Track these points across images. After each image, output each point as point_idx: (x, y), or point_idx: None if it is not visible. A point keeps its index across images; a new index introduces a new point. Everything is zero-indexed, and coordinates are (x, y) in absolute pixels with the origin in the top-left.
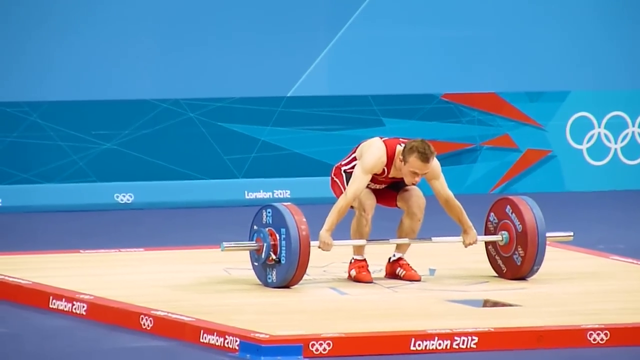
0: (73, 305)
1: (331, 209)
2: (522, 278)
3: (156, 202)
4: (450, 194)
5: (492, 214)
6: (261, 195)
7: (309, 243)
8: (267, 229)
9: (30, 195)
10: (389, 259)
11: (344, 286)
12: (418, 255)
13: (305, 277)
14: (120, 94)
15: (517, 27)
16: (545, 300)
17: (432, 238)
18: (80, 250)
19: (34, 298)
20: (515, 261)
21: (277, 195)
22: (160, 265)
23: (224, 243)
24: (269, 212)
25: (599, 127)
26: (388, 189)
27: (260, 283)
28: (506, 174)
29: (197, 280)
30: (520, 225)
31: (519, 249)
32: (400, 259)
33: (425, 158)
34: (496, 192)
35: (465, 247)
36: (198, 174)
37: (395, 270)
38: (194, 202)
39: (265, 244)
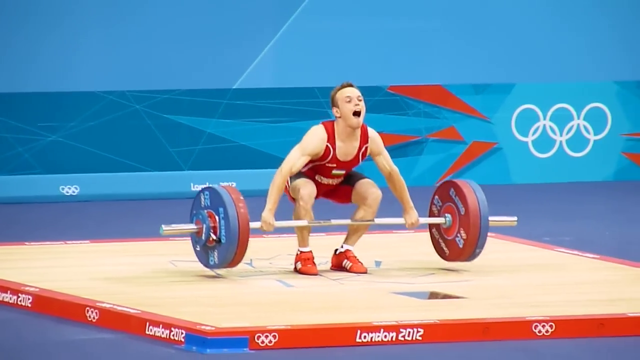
0: (18, 297)
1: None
2: (464, 260)
3: (102, 194)
4: (395, 168)
5: (436, 197)
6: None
7: (248, 220)
8: (205, 211)
9: None
10: (336, 250)
11: (290, 278)
12: (364, 247)
13: (251, 269)
14: (66, 86)
15: (462, 19)
16: (491, 292)
17: (375, 219)
18: (26, 243)
19: None
20: (457, 244)
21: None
22: (106, 258)
23: (162, 226)
24: (207, 194)
25: (545, 119)
26: (343, 184)
27: (206, 268)
28: (452, 166)
29: (143, 273)
30: (463, 208)
31: (462, 232)
32: (347, 251)
33: (347, 84)
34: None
35: (408, 227)
36: (144, 166)
37: (342, 262)
38: (140, 194)
39: (204, 226)
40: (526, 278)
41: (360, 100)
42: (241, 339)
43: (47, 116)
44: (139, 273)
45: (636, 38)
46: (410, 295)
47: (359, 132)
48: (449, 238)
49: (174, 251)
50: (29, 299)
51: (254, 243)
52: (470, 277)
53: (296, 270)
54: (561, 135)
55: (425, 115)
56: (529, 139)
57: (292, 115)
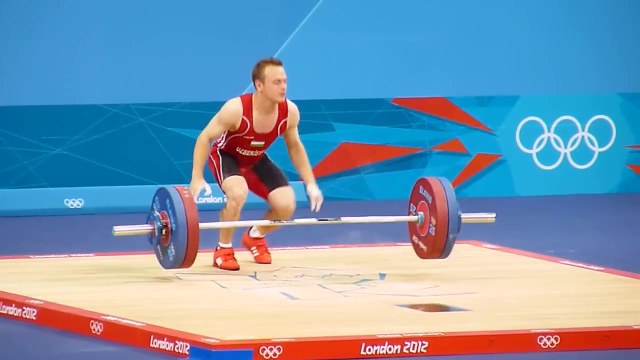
0: (23, 310)
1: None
2: (441, 252)
3: (106, 207)
4: (299, 140)
5: (411, 204)
6: (211, 200)
7: (194, 203)
8: (157, 212)
9: None
10: (250, 229)
11: (294, 291)
12: (368, 260)
13: (255, 281)
14: (70, 99)
15: (467, 32)
16: (496, 304)
17: (341, 217)
18: (30, 256)
19: None
20: (430, 234)
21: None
22: (110, 271)
23: (114, 227)
24: (156, 198)
25: (549, 131)
26: (260, 180)
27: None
28: (456, 179)
29: (147, 286)
30: (430, 197)
31: (432, 220)
32: (260, 239)
33: (277, 61)
34: None
35: (313, 202)
36: (148, 179)
37: (251, 247)
38: (144, 207)
39: (156, 225)
40: (531, 290)
41: (285, 82)
42: (246, 352)
43: (51, 129)
44: (143, 286)
45: None
46: (415, 308)
47: (277, 105)
48: (424, 234)
49: None
50: (33, 312)
51: None
52: (475, 290)
53: (216, 266)
54: (566, 147)
55: (429, 128)
56: (534, 151)
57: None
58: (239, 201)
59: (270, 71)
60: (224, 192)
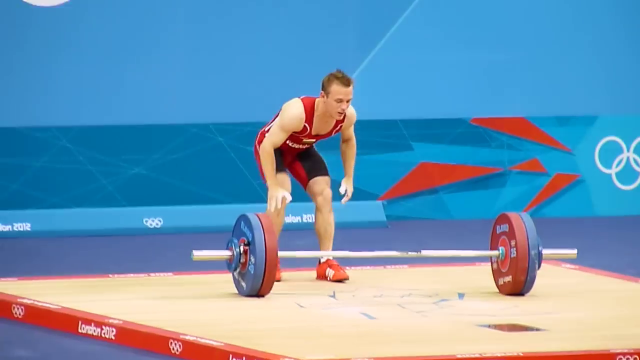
0: (102, 329)
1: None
2: (521, 289)
3: (185, 226)
4: (354, 138)
5: (495, 227)
6: (289, 219)
7: (274, 232)
8: (238, 238)
9: (60, 219)
10: (319, 261)
11: (373, 311)
12: (444, 280)
13: (334, 301)
14: (149, 119)
15: (545, 51)
16: (575, 324)
17: (422, 251)
18: (110, 275)
19: (63, 322)
20: (511, 271)
21: (306, 219)
22: (189, 290)
23: (193, 252)
24: (240, 223)
25: (628, 151)
26: (304, 170)
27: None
28: (535, 199)
29: (226, 305)
30: (513, 241)
31: (513, 265)
32: (328, 260)
33: (346, 82)
34: None
35: (342, 193)
36: (227, 198)
37: (325, 271)
38: (223, 226)
39: (235, 252)
40: (611, 310)
41: (348, 102)
42: None
43: (130, 149)
44: (221, 305)
45: None
46: (494, 328)
47: None
48: (505, 269)
49: None
50: (112, 331)
51: None
52: (554, 310)
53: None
54: None
55: (508, 147)
56: (613, 170)
57: (374, 147)
58: (279, 203)
59: (336, 89)
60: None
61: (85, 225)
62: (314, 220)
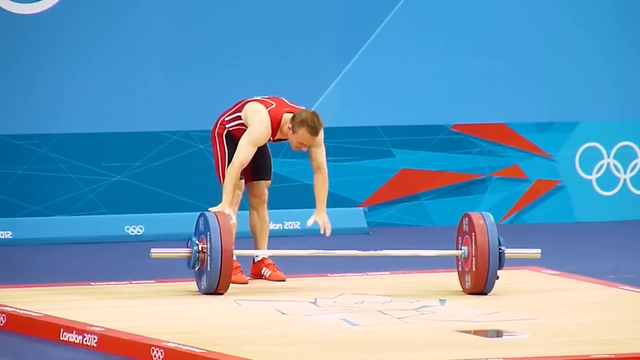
0: (84, 337)
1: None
2: (482, 288)
3: (166, 233)
4: (324, 163)
5: (458, 238)
6: (271, 226)
7: (230, 228)
8: (197, 237)
9: (41, 227)
10: (254, 259)
11: (355, 317)
12: (426, 285)
13: (315, 307)
14: (130, 126)
15: (525, 58)
16: (555, 330)
17: (385, 250)
18: (91, 283)
19: (45, 330)
20: (472, 269)
21: (287, 226)
22: (171, 297)
23: (152, 249)
24: (202, 221)
25: (608, 157)
26: (252, 168)
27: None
28: (516, 205)
29: (208, 312)
30: (472, 232)
31: (474, 255)
32: (264, 259)
33: (314, 131)
34: (506, 223)
35: (320, 228)
36: (208, 205)
37: (261, 270)
38: None
39: (193, 250)
40: (591, 316)
41: (309, 147)
42: None
43: (111, 156)
44: (203, 312)
45: None
46: (475, 334)
47: None
48: (467, 268)
49: (239, 290)
50: (94, 338)
51: (317, 282)
52: (535, 315)
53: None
54: (625, 173)
55: (488, 154)
56: (593, 176)
57: (355, 154)
58: (237, 203)
59: (303, 134)
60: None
61: (67, 233)
62: (248, 218)
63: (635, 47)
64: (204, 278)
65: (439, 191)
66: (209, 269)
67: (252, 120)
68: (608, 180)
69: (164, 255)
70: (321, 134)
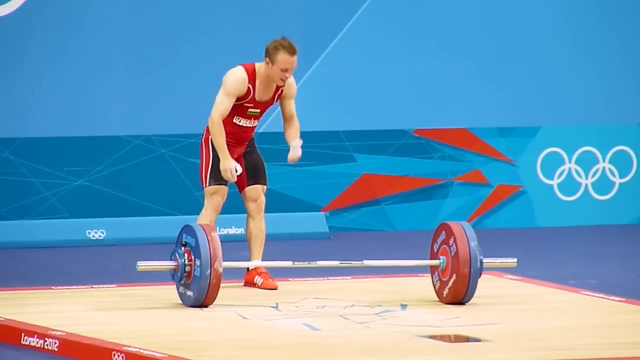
0: (45, 341)
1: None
2: (462, 298)
3: (128, 238)
4: (295, 114)
5: (436, 239)
6: (233, 231)
7: (219, 245)
8: (182, 249)
9: (2, 231)
10: (247, 269)
11: (316, 322)
12: (388, 291)
13: (277, 312)
14: (92, 131)
15: (486, 63)
16: (517, 335)
17: (364, 261)
18: (52, 287)
19: (6, 334)
20: (452, 280)
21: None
22: (132, 302)
23: (138, 263)
24: (182, 234)
25: (570, 162)
26: (245, 173)
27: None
28: (477, 210)
29: (169, 316)
30: (454, 250)
31: (453, 266)
32: (257, 267)
33: (292, 51)
34: None
35: (289, 161)
36: (170, 210)
37: (253, 279)
38: (166, 238)
39: (180, 262)
40: (552, 321)
41: (292, 70)
42: None
43: (73, 160)
44: (165, 317)
45: None
46: (436, 339)
47: None
48: (445, 278)
49: None
50: (55, 343)
51: (279, 287)
52: (496, 320)
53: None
54: (587, 178)
55: (450, 159)
56: (555, 182)
57: (317, 158)
58: (217, 209)
59: (282, 58)
60: (205, 195)
61: (28, 237)
62: (245, 226)
63: (595, 53)
64: (192, 290)
65: (401, 196)
66: (197, 281)
67: (227, 76)
68: (569, 185)
69: (151, 269)
70: (294, 85)
